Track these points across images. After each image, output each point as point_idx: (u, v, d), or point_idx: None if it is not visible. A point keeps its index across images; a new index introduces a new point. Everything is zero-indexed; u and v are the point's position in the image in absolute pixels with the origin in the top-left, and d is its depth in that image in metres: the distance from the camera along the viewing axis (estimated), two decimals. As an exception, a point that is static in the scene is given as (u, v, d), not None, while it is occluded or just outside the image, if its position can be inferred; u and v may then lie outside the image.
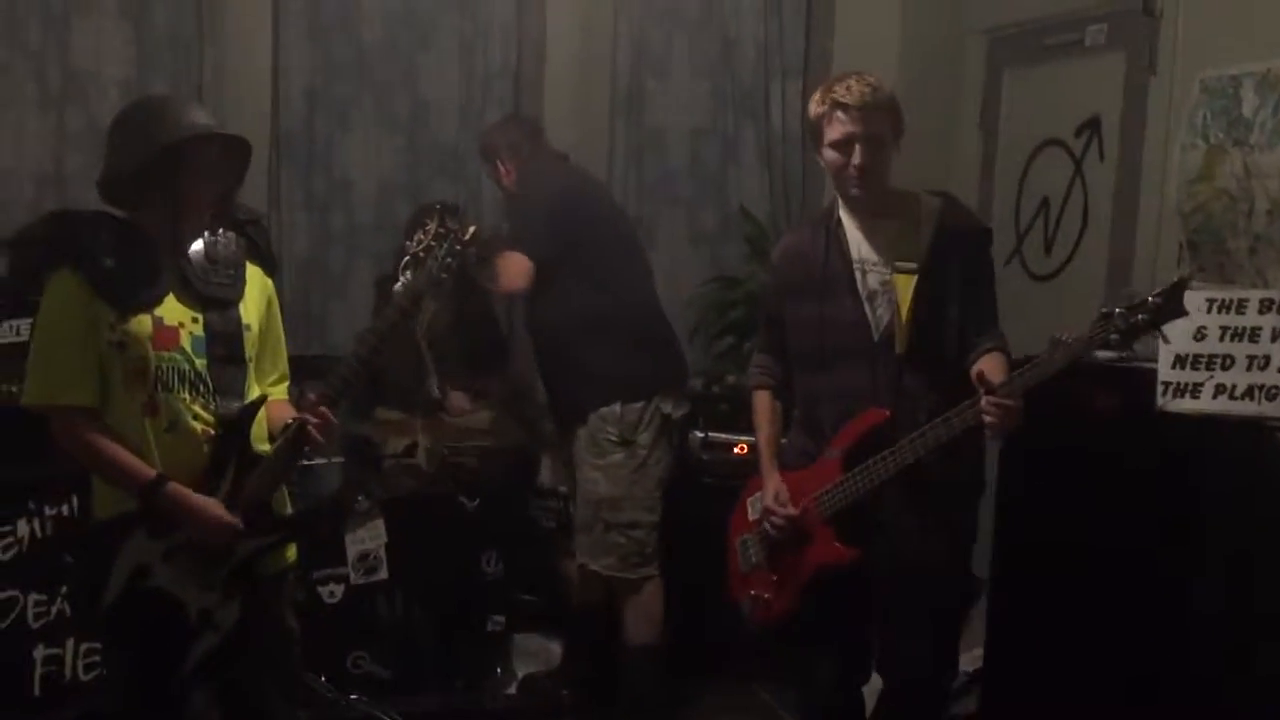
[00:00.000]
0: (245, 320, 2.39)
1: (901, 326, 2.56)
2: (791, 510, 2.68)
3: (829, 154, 2.58)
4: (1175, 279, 2.27)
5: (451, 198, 4.50)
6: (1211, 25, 3.47)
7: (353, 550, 3.46)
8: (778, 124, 4.54)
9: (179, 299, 2.32)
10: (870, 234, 2.63)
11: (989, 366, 2.48)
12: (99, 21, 4.03)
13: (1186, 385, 2.78)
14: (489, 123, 4.63)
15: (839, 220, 2.67)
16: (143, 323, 2.26)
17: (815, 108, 2.59)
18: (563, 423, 3.66)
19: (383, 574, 3.49)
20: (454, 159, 4.73)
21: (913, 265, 2.56)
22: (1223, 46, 3.40)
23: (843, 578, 2.63)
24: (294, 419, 2.36)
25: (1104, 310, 2.24)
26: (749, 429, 3.89)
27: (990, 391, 2.33)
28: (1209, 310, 2.87)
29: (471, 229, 2.48)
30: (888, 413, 2.55)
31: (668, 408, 3.54)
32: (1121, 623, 2.92)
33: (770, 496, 2.74)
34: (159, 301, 2.29)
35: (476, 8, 4.69)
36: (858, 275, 2.62)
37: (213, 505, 2.29)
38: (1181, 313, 2.21)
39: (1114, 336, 2.22)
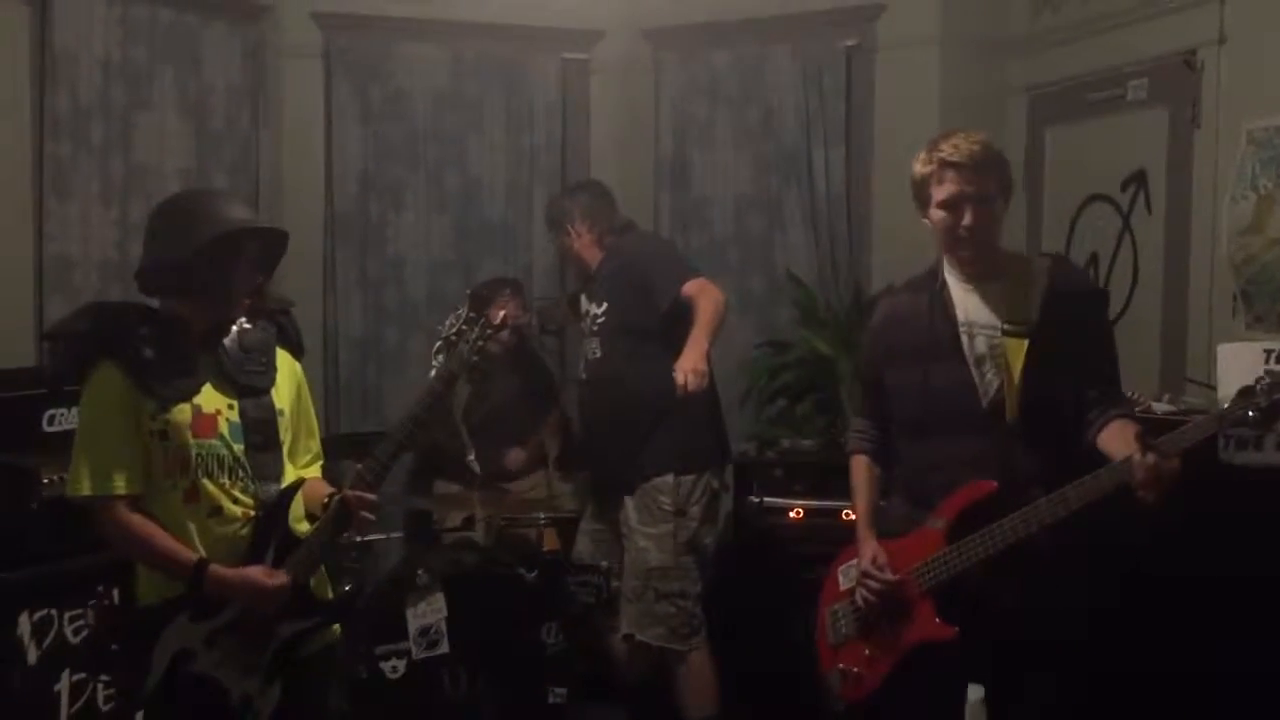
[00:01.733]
0: (278, 405, 2.44)
1: (1012, 392, 2.41)
2: (890, 575, 2.53)
3: (937, 214, 2.48)
4: None
5: (506, 273, 4.59)
6: (1252, 77, 3.48)
7: (414, 625, 3.47)
8: (822, 189, 4.58)
9: (215, 387, 2.37)
10: (977, 296, 2.50)
11: (1120, 434, 2.33)
12: (160, 116, 4.18)
13: (1249, 438, 2.74)
14: (537, 197, 4.75)
15: (944, 282, 2.55)
16: (182, 412, 2.31)
17: (921, 167, 2.49)
18: (607, 491, 3.67)
19: (444, 648, 3.49)
20: (503, 234, 4.83)
21: (1024, 328, 2.42)
22: (1267, 97, 3.41)
23: (940, 657, 2.46)
24: (332, 493, 2.39)
25: (1245, 386, 2.16)
26: (803, 494, 3.95)
27: (1151, 450, 2.16)
28: (1268, 360, 2.86)
29: (501, 314, 2.55)
30: (994, 485, 2.40)
31: (716, 483, 3.59)
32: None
33: (868, 561, 2.59)
34: (197, 391, 2.34)
35: (522, 86, 4.82)
36: (964, 338, 2.48)
37: (255, 572, 2.31)
38: None
39: (1253, 413, 2.14)
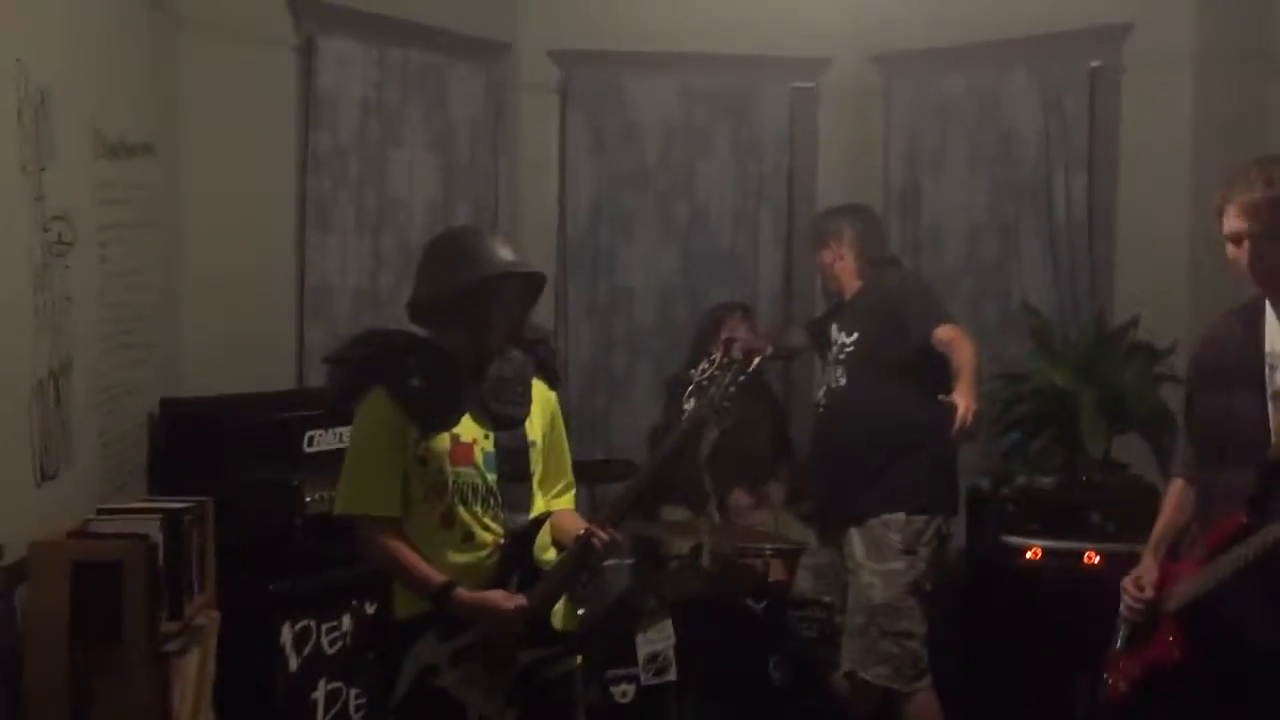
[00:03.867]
0: (531, 437, 2.53)
1: None
2: (1146, 592, 2.56)
3: (1229, 248, 2.43)
4: None
5: (736, 298, 4.62)
6: None
7: (643, 651, 3.52)
8: (1061, 215, 4.41)
9: (474, 417, 2.47)
10: None
11: None
12: (410, 152, 4.40)
13: None
14: (763, 226, 4.77)
15: (1263, 309, 2.45)
16: (442, 440, 2.42)
17: (1218, 199, 2.45)
18: (833, 524, 3.63)
19: (672, 675, 3.52)
20: (730, 262, 4.86)
21: None
22: None
23: (1180, 679, 2.45)
24: (583, 532, 2.44)
25: None
26: (1040, 533, 3.81)
27: None
28: None
29: (756, 360, 2.55)
30: (1244, 520, 2.33)
31: (947, 528, 3.52)
32: None
33: (1131, 579, 2.63)
34: (458, 421, 2.45)
35: (750, 116, 4.85)
36: (1267, 370, 2.39)
37: (495, 596, 2.39)
38: None
39: None
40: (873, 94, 4.84)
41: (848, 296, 3.66)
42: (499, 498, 2.46)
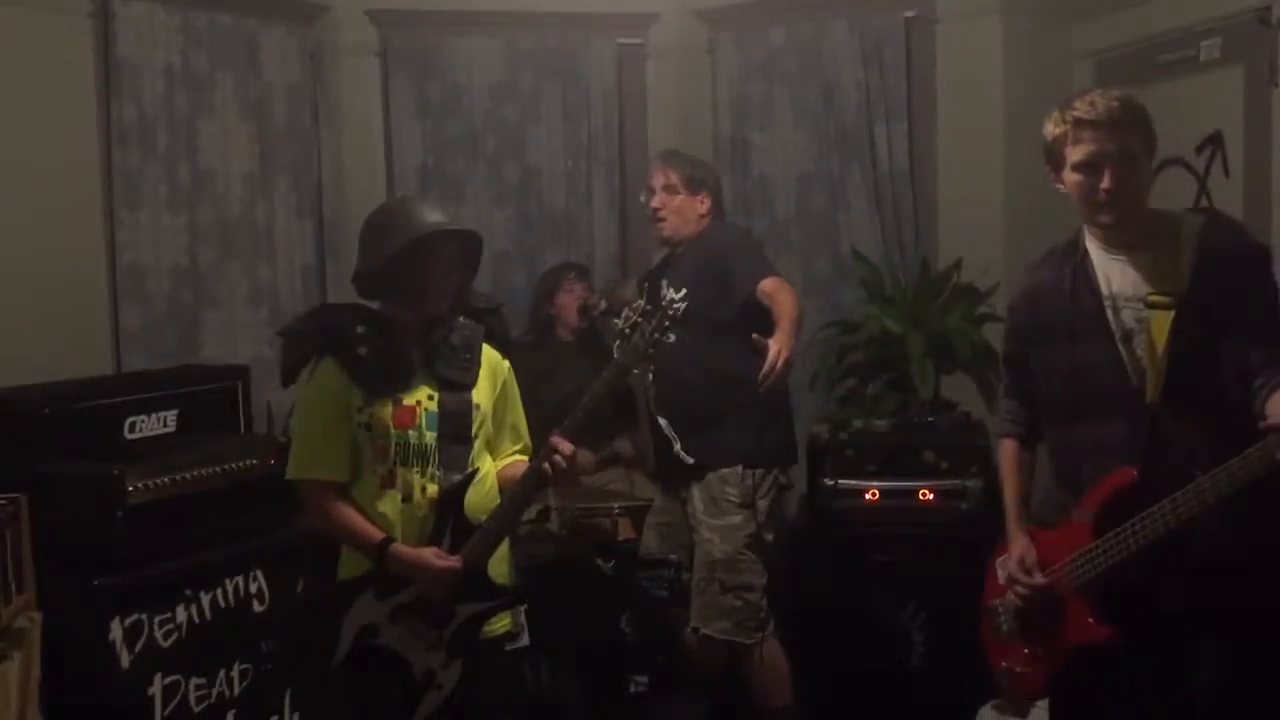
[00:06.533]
0: (476, 400, 2.61)
1: (1155, 369, 2.26)
2: (1038, 579, 2.41)
3: (1072, 178, 2.31)
4: None
5: (572, 260, 4.61)
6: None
7: (494, 618, 3.49)
8: (885, 165, 4.51)
9: (422, 381, 2.57)
10: (1123, 265, 2.33)
11: None
12: (223, 121, 4.21)
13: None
14: (596, 185, 4.74)
15: (1085, 252, 2.38)
16: (385, 405, 2.53)
17: (1053, 129, 2.32)
18: (674, 480, 3.65)
19: (524, 641, 3.49)
20: (565, 223, 4.82)
21: (1168, 298, 2.24)
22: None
23: (1104, 655, 2.34)
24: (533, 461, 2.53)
25: None
26: (878, 475, 3.91)
27: None
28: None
29: (679, 308, 2.57)
30: (1134, 474, 2.27)
31: (784, 479, 3.59)
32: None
33: (1015, 561, 2.47)
34: (406, 387, 2.55)
35: (578, 74, 4.80)
36: (1110, 313, 2.32)
37: (428, 553, 2.48)
38: None
39: None
40: (699, 49, 4.85)
41: (679, 250, 3.67)
42: (436, 458, 2.54)
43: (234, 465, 3.31)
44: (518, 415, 2.76)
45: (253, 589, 3.30)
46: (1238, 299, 2.24)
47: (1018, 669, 2.53)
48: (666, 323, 2.54)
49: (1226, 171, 3.80)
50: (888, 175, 4.51)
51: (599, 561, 3.63)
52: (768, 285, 3.38)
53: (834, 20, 4.58)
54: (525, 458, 2.73)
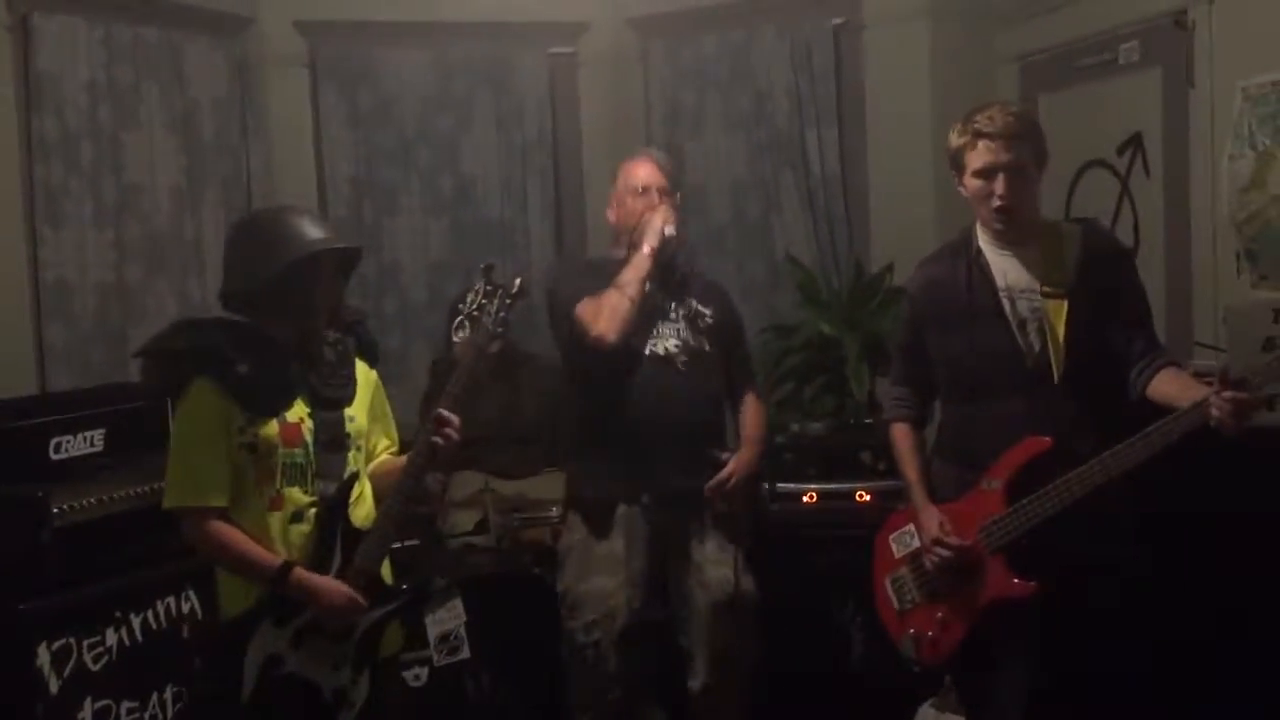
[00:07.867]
0: (352, 414, 2.54)
1: (1058, 353, 2.53)
2: (964, 541, 2.60)
3: (972, 183, 2.58)
4: None
5: (506, 269, 4.55)
6: (1244, 34, 3.44)
7: (433, 631, 3.46)
8: (817, 169, 4.55)
9: (303, 399, 2.47)
10: (1013, 261, 2.62)
11: (1175, 379, 2.46)
12: (149, 135, 4.15)
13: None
14: (531, 194, 4.72)
15: (979, 249, 2.66)
16: (270, 424, 2.41)
17: (956, 138, 2.60)
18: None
19: (465, 654, 3.48)
20: (500, 232, 4.80)
21: (1062, 289, 2.54)
22: (1259, 53, 3.38)
23: (1016, 610, 2.54)
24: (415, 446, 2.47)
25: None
26: (816, 477, 3.93)
27: (1232, 384, 2.26)
28: (1275, 320, 2.84)
29: (518, 281, 2.56)
30: (1049, 441, 2.51)
31: None
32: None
33: (935, 529, 2.65)
34: (289, 406, 2.44)
35: (510, 84, 4.80)
36: (1005, 303, 2.60)
37: (336, 585, 2.40)
38: None
39: None
40: (631, 57, 4.87)
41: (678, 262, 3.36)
42: (315, 469, 2.46)
43: (163, 485, 3.22)
44: (388, 420, 2.71)
45: (184, 609, 3.24)
46: (1115, 293, 2.57)
47: (929, 633, 2.71)
48: (509, 301, 2.53)
49: (1147, 171, 3.88)
50: (820, 180, 4.56)
51: (537, 571, 3.61)
52: (750, 399, 3.42)
53: (764, 27, 4.62)
54: (397, 458, 2.66)
